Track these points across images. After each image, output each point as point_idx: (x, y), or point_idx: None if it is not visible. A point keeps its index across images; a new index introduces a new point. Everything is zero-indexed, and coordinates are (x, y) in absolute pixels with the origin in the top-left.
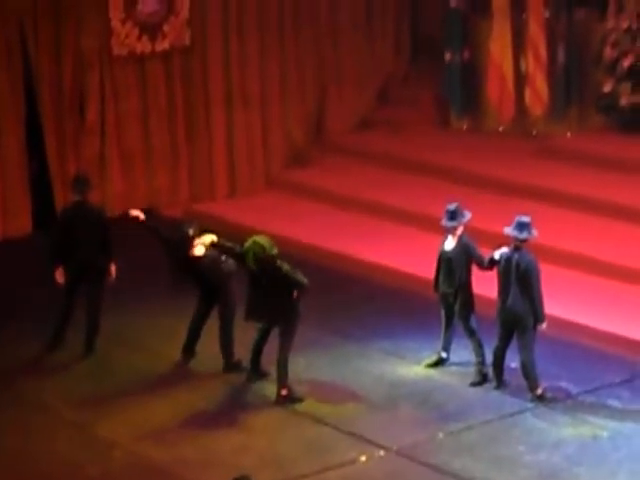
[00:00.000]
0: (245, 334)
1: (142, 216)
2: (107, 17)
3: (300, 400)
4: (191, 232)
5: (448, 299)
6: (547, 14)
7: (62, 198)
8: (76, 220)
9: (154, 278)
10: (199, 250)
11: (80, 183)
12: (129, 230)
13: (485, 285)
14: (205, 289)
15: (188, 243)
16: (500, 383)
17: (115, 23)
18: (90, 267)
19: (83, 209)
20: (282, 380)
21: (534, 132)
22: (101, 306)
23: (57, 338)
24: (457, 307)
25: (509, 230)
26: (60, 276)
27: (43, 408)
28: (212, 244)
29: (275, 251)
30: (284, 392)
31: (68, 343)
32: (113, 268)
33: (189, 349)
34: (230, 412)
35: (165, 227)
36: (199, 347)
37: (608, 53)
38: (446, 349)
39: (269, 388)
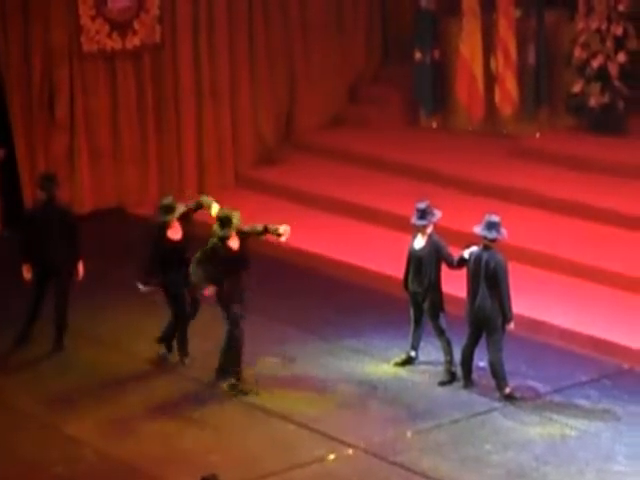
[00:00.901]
0: (215, 331)
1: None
2: (77, 13)
3: (248, 392)
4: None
5: (417, 298)
6: (517, 14)
7: (31, 194)
8: (44, 218)
9: (122, 275)
10: (176, 234)
11: (47, 181)
12: (98, 227)
13: (455, 284)
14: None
15: (168, 225)
16: (468, 382)
17: (85, 20)
18: (58, 265)
19: (51, 207)
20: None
21: (504, 132)
22: (69, 303)
23: (25, 335)
24: (426, 306)
25: (478, 229)
26: (27, 273)
27: (9, 406)
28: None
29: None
30: (233, 381)
31: (36, 340)
32: (81, 266)
33: (182, 350)
34: (198, 410)
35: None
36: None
37: (578, 54)
38: (415, 348)
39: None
